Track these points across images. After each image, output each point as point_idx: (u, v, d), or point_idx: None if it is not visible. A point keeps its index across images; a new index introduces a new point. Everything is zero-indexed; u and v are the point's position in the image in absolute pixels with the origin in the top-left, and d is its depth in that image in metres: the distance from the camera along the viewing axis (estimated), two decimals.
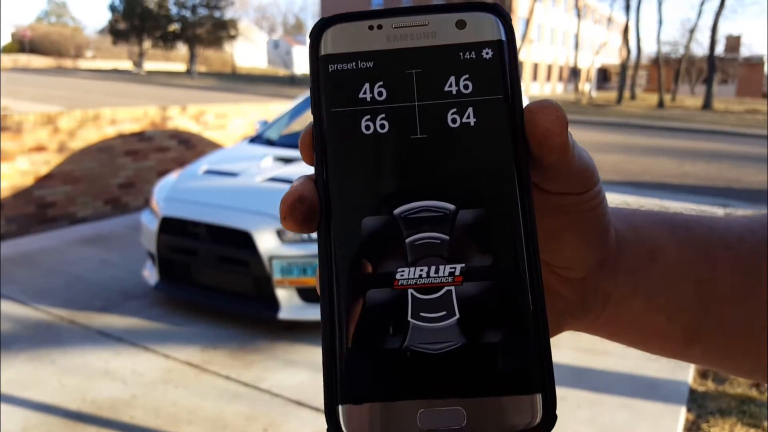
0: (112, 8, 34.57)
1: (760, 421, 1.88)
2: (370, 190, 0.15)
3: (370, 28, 0.16)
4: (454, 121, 0.16)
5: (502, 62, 0.16)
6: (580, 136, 12.95)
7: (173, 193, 2.61)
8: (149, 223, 2.60)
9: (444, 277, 0.15)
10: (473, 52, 0.16)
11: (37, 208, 3.84)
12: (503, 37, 0.16)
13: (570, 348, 2.32)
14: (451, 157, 0.16)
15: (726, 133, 13.51)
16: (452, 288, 0.15)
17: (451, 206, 0.15)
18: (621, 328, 0.24)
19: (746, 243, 0.23)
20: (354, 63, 0.16)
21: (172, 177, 2.87)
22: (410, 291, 0.15)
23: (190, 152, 4.84)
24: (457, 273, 0.15)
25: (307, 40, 0.17)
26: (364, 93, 0.16)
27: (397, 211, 0.15)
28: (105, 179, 4.24)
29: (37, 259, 3.24)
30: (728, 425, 1.86)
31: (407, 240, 0.15)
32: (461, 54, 0.16)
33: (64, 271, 3.04)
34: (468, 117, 0.16)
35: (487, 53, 0.16)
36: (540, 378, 0.15)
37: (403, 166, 0.16)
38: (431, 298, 0.15)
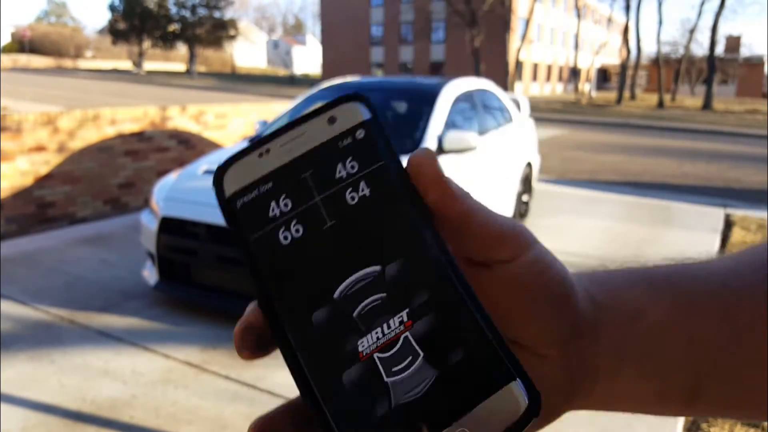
0: (112, 8, 34.58)
1: (760, 420, 1.88)
2: (308, 288, 0.17)
3: (260, 155, 0.18)
4: (352, 198, 0.18)
5: (373, 136, 0.19)
6: (580, 136, 12.99)
7: (173, 193, 2.61)
8: (149, 223, 2.60)
9: (396, 328, 0.17)
10: (348, 138, 0.19)
11: (37, 208, 3.83)
12: (367, 116, 0.19)
13: None
14: (361, 229, 0.18)
15: (726, 133, 13.49)
16: (407, 333, 0.17)
17: (377, 267, 0.17)
18: (618, 399, 0.23)
19: (731, 287, 0.22)
20: (256, 190, 0.18)
21: (172, 177, 2.86)
22: (375, 355, 0.17)
23: (190, 152, 4.84)
24: (405, 319, 0.17)
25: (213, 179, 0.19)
26: (273, 210, 0.18)
27: (336, 294, 0.17)
28: (105, 179, 4.23)
29: (36, 259, 3.24)
30: (728, 425, 1.85)
31: (354, 314, 0.17)
32: (339, 143, 0.18)
33: (64, 271, 3.04)
34: (362, 190, 0.18)
35: (359, 134, 0.19)
36: (508, 367, 0.16)
37: (325, 254, 0.18)
38: (395, 352, 0.17)
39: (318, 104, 0.20)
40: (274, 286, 0.18)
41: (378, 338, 0.17)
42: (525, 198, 4.24)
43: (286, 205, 0.18)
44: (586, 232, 4.07)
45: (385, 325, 0.17)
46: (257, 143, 0.19)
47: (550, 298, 0.21)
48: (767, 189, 6.39)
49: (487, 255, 0.21)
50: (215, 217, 2.38)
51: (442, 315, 0.17)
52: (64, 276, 2.96)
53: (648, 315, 0.22)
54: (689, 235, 4.10)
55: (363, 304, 0.17)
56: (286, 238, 0.18)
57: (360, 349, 0.17)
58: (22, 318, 2.47)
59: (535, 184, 4.56)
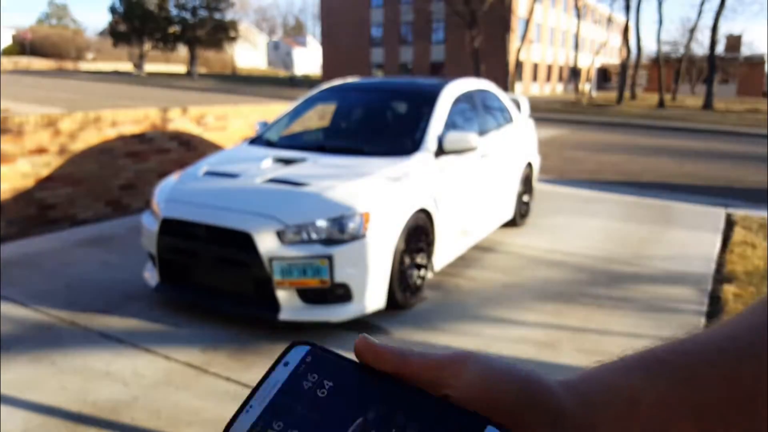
0: (113, 10, 34.63)
1: None
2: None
3: (247, 411, 0.24)
4: (321, 393, 0.24)
5: (317, 354, 0.26)
6: (580, 136, 12.91)
7: (174, 194, 2.61)
8: (150, 224, 2.60)
9: None
10: (302, 365, 0.25)
11: (37, 210, 3.84)
12: (307, 348, 0.26)
13: (572, 349, 2.31)
14: (337, 404, 0.24)
15: (727, 132, 13.45)
16: None
17: (360, 420, 0.23)
18: None
19: (728, 353, 0.22)
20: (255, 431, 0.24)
21: (173, 179, 2.86)
22: None
23: (191, 153, 4.84)
24: None
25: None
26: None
27: None
28: (106, 181, 4.24)
29: (37, 261, 3.24)
30: None
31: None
32: (297, 371, 0.25)
33: (65, 273, 3.04)
34: (326, 384, 0.25)
35: (308, 359, 0.25)
36: (477, 419, 0.22)
37: (321, 426, 0.24)
38: None
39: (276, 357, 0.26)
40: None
41: None
42: (526, 198, 4.24)
43: (279, 426, 0.23)
44: (587, 232, 4.06)
45: None
46: (241, 406, 0.24)
47: (507, 412, 0.22)
48: None
49: (437, 388, 0.23)
50: (216, 218, 2.38)
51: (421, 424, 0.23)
52: (64, 278, 2.97)
53: (645, 400, 0.22)
54: (690, 234, 4.08)
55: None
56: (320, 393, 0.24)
57: None
58: (22, 320, 2.47)
59: (536, 184, 4.56)
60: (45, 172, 3.85)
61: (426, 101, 3.28)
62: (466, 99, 3.59)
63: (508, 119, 4.10)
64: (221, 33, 34.66)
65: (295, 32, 73.27)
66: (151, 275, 2.66)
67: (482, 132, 3.54)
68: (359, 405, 0.24)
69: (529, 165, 4.27)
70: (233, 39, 36.38)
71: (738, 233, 4.13)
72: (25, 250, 3.44)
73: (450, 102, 3.32)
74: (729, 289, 2.98)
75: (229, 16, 35.45)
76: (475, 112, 3.66)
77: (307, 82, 33.20)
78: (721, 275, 3.24)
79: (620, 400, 0.23)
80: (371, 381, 0.25)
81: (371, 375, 0.25)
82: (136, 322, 2.48)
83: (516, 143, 4.02)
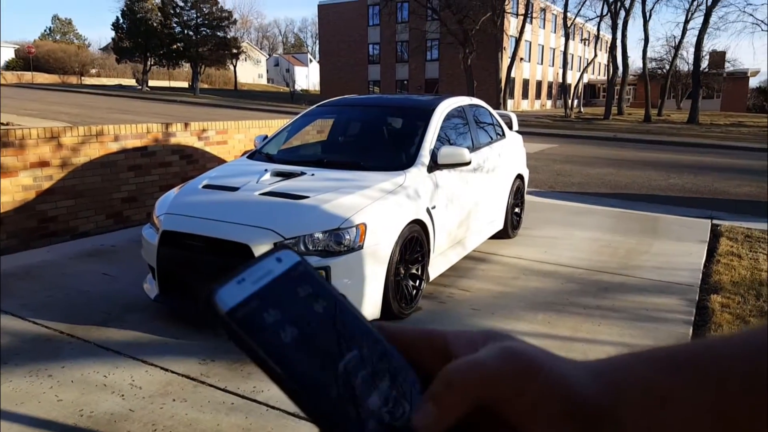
0: (116, 26, 35.15)
1: None
2: (315, 370, 0.23)
3: (238, 282, 0.24)
4: (318, 308, 0.25)
5: (309, 270, 0.26)
6: (569, 149, 12.99)
7: (174, 207, 2.65)
8: (150, 237, 2.64)
9: (388, 390, 0.24)
10: (295, 271, 0.25)
11: (38, 223, 3.88)
12: (298, 258, 0.26)
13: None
14: (333, 326, 0.25)
15: (712, 145, 13.59)
16: (394, 392, 0.25)
17: (355, 351, 0.24)
18: None
19: (762, 360, 0.22)
20: (247, 306, 0.23)
21: (173, 192, 2.92)
22: (383, 410, 0.24)
23: (192, 167, 4.92)
24: (390, 383, 0.25)
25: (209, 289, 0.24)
26: (269, 318, 0.23)
27: (339, 371, 0.23)
28: (108, 193, 4.29)
29: (37, 273, 3.26)
30: None
31: (356, 383, 0.24)
32: (291, 273, 0.25)
33: (65, 285, 3.06)
34: (321, 302, 0.25)
35: (301, 268, 0.25)
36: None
37: (320, 346, 0.24)
38: (393, 405, 0.24)
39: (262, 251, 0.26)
40: (293, 374, 0.23)
41: (379, 397, 0.24)
42: (517, 210, 4.33)
43: (276, 314, 0.23)
44: (577, 243, 4.12)
45: (379, 389, 0.24)
46: (232, 274, 0.24)
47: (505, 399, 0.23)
48: (753, 200, 6.48)
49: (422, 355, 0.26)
50: (215, 230, 2.43)
51: (404, 377, 0.25)
52: (64, 290, 2.99)
53: (675, 399, 0.22)
54: (677, 245, 4.15)
55: (359, 375, 0.24)
56: (286, 337, 0.23)
57: (371, 407, 0.23)
58: (21, 332, 2.49)
59: (526, 197, 4.64)
60: (46, 185, 3.90)
61: (421, 117, 3.37)
62: (460, 115, 3.70)
63: (500, 134, 4.21)
64: (223, 50, 35.17)
65: (295, 49, 74.53)
66: (150, 287, 2.69)
67: (475, 147, 3.64)
68: (352, 337, 0.24)
69: (520, 177, 4.36)
70: (235, 56, 36.92)
71: (724, 244, 4.20)
72: (25, 262, 3.46)
73: (444, 118, 3.42)
74: (716, 299, 3.03)
75: (231, 33, 36.05)
76: (468, 127, 3.76)
77: (306, 97, 33.63)
78: (707, 285, 3.30)
79: (651, 397, 0.22)
80: (361, 320, 0.25)
81: (360, 315, 0.25)
82: (135, 333, 2.50)
83: (507, 157, 4.11)
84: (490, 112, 4.23)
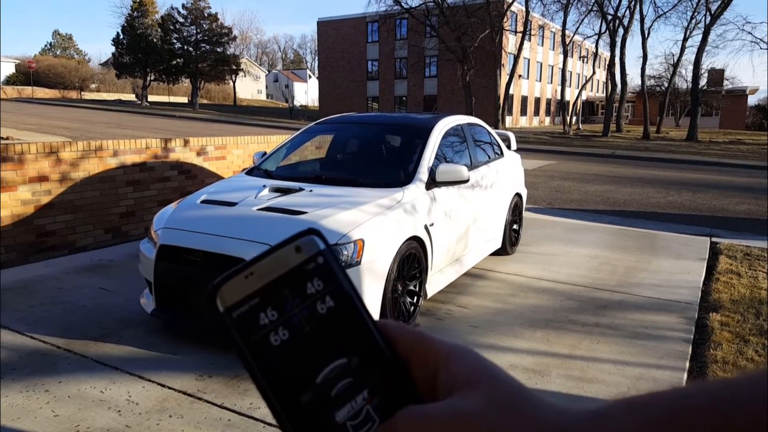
0: (116, 42, 35.64)
1: None
2: (296, 377, 0.23)
3: (246, 277, 0.23)
4: (321, 309, 0.24)
5: (329, 261, 0.25)
6: (567, 166, 13.08)
7: (171, 222, 2.66)
8: (148, 251, 2.64)
9: (361, 403, 0.24)
10: (312, 263, 0.24)
11: (37, 237, 3.87)
12: (322, 247, 0.25)
13: (559, 375, 2.34)
14: (330, 330, 0.24)
15: (710, 163, 13.75)
16: (368, 406, 0.24)
17: (345, 359, 0.24)
18: None
19: (726, 397, 0.21)
20: (247, 304, 0.23)
21: (171, 207, 2.93)
22: (348, 423, 0.23)
23: (191, 182, 4.95)
24: (366, 396, 0.24)
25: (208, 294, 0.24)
26: (263, 320, 0.23)
27: (318, 380, 0.23)
28: (106, 208, 4.30)
29: (35, 287, 3.25)
30: None
31: (332, 393, 0.24)
32: (306, 266, 0.24)
33: (62, 300, 3.04)
34: (328, 302, 0.24)
35: (320, 260, 0.24)
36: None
37: (307, 351, 0.24)
38: (360, 420, 0.24)
39: (285, 237, 0.24)
40: (270, 377, 0.23)
41: (349, 410, 0.23)
42: (515, 226, 4.36)
43: (272, 315, 0.23)
44: (575, 260, 4.14)
45: (353, 401, 0.23)
46: (242, 267, 0.23)
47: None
48: (752, 218, 6.53)
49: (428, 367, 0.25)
50: (212, 245, 2.44)
51: (389, 392, 0.24)
52: (62, 304, 2.97)
53: None
54: (676, 263, 4.16)
55: (338, 386, 0.23)
56: (276, 340, 0.23)
57: (337, 419, 0.23)
58: (18, 347, 2.47)
59: (524, 214, 4.68)
60: (45, 199, 3.91)
61: (419, 135, 3.42)
62: (458, 134, 3.75)
63: (498, 154, 4.27)
64: (223, 66, 35.66)
65: (294, 65, 75.69)
66: (147, 301, 2.68)
67: (473, 165, 3.68)
68: (347, 344, 0.24)
69: (518, 196, 4.41)
70: (234, 72, 37.41)
71: (723, 262, 4.22)
72: (23, 276, 3.45)
73: (442, 136, 3.47)
74: (715, 318, 3.04)
75: (230, 49, 36.60)
76: (466, 146, 3.81)
77: (305, 112, 33.96)
78: (707, 303, 3.30)
79: None
80: (366, 323, 0.24)
81: (367, 317, 0.24)
82: (132, 349, 2.48)
83: (505, 176, 4.16)
84: (488, 131, 4.30)
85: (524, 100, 35.72)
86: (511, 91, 29.08)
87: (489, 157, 4.07)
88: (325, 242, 0.25)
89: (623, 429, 0.22)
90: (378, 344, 0.25)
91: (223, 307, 0.23)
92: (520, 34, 26.11)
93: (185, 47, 35.17)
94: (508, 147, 4.61)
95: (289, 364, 0.23)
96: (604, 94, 32.30)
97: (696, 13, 24.97)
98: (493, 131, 4.39)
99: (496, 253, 4.06)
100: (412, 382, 0.25)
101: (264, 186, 2.98)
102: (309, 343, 0.23)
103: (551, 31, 37.94)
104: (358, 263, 2.41)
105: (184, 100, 43.46)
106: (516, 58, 25.57)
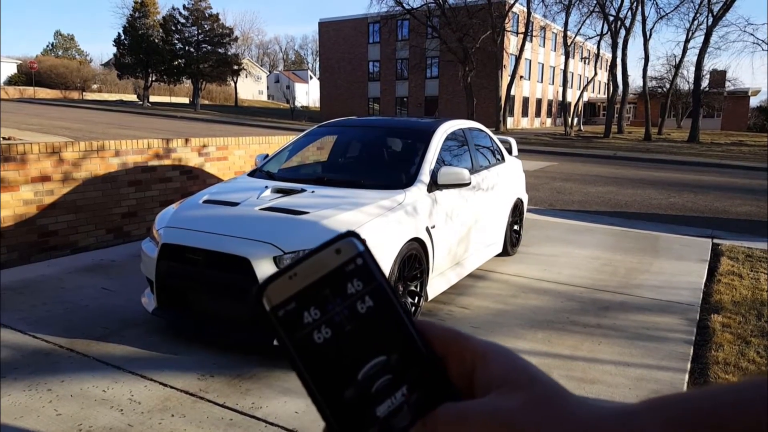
0: (118, 42, 35.73)
1: None
2: (339, 373, 0.24)
3: (290, 278, 0.24)
4: (361, 308, 0.25)
5: (368, 262, 0.26)
6: (569, 167, 13.11)
7: (173, 221, 2.67)
8: (149, 250, 2.65)
9: (400, 399, 0.25)
10: (352, 264, 0.25)
11: (38, 237, 3.88)
12: (361, 248, 0.26)
13: (561, 376, 2.35)
14: (371, 329, 0.25)
15: (712, 164, 13.72)
16: (406, 402, 0.25)
17: (384, 357, 0.25)
18: None
19: (726, 401, 0.22)
20: (293, 303, 0.24)
21: (174, 206, 2.94)
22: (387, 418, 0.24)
23: (193, 182, 4.96)
24: (405, 392, 0.25)
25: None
26: (306, 319, 0.24)
27: (359, 376, 0.24)
28: (108, 208, 4.31)
29: (37, 287, 3.26)
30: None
31: (372, 390, 0.25)
32: (346, 268, 0.25)
33: (64, 300, 3.05)
34: (367, 302, 0.25)
35: (359, 261, 0.25)
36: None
37: (349, 349, 0.25)
38: (401, 415, 0.25)
39: (326, 240, 0.25)
40: (314, 373, 0.24)
41: (389, 406, 0.24)
42: (516, 227, 4.36)
43: (315, 314, 0.24)
44: (577, 261, 4.14)
45: (393, 397, 0.24)
46: (286, 268, 0.25)
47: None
48: (754, 219, 6.53)
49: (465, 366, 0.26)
50: (214, 244, 2.44)
51: (427, 388, 0.25)
52: (64, 304, 2.98)
53: None
54: (678, 264, 4.16)
55: (378, 382, 0.24)
56: (319, 338, 0.24)
57: (378, 413, 0.24)
58: (20, 346, 2.48)
59: (525, 215, 4.68)
60: (47, 199, 3.92)
61: (421, 138, 3.42)
62: (460, 138, 3.76)
63: (499, 159, 4.27)
64: (224, 66, 35.72)
65: (295, 66, 75.84)
66: (148, 300, 2.69)
67: (474, 168, 3.68)
68: (386, 342, 0.24)
69: (519, 200, 4.41)
70: (236, 72, 37.47)
71: (724, 263, 4.22)
72: (25, 276, 3.46)
73: (444, 139, 3.47)
74: (717, 319, 3.04)
75: (232, 50, 36.67)
76: (468, 150, 3.81)
77: (306, 113, 33.98)
78: (708, 305, 3.31)
79: None
80: (404, 322, 0.25)
81: (405, 316, 0.25)
82: (134, 348, 2.49)
83: (507, 179, 4.16)
84: (490, 136, 4.30)
85: (525, 101, 35.72)
86: (512, 92, 29.10)
87: (490, 162, 4.07)
88: (364, 244, 0.26)
89: (651, 428, 0.22)
90: (416, 342, 0.26)
91: (269, 306, 0.24)
92: (522, 35, 26.15)
93: (186, 48, 35.24)
94: (510, 152, 4.61)
95: (332, 361, 0.24)
96: (606, 96, 32.31)
97: (698, 15, 24.97)
98: (494, 136, 4.40)
99: (497, 255, 4.06)
100: (449, 379, 0.26)
101: (266, 187, 2.99)
102: (350, 341, 0.24)
103: (553, 32, 37.96)
104: None
105: (186, 100, 43.58)
106: (517, 59, 25.59)
